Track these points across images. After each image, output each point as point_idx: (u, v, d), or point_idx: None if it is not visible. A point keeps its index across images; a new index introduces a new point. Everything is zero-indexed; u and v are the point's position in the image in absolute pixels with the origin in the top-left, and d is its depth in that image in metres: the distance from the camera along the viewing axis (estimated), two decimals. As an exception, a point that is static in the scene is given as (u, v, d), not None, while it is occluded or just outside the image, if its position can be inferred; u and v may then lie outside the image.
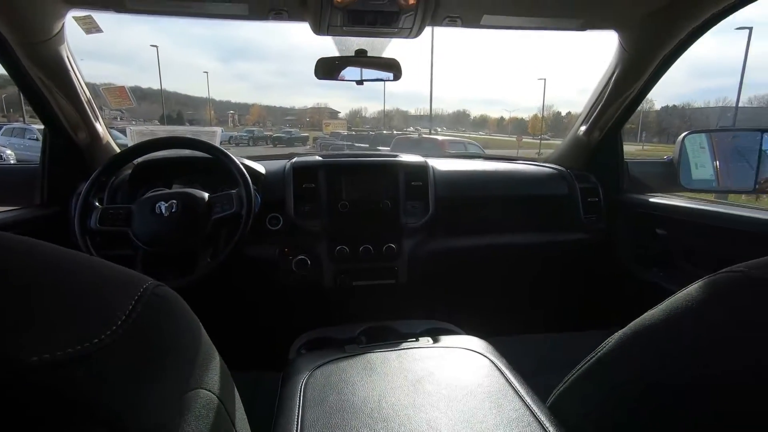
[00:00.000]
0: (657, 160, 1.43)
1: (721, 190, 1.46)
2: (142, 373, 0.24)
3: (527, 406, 0.54)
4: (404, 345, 0.73)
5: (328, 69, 1.10)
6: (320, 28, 0.94)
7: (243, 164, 1.02)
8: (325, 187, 1.17)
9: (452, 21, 0.96)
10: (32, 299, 0.21)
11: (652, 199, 1.23)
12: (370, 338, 0.89)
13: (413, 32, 0.96)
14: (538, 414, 0.52)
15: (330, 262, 1.17)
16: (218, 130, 1.72)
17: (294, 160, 1.22)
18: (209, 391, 0.30)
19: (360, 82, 1.14)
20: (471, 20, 0.96)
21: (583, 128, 1.34)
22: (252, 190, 0.97)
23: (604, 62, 1.21)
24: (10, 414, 0.18)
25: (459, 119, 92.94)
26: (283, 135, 27.28)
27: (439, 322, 0.93)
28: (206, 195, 0.99)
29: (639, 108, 1.30)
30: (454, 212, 1.25)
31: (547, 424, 0.50)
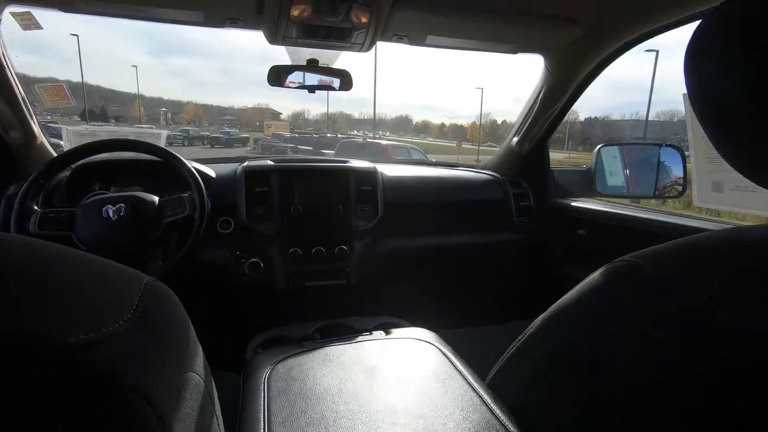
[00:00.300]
0: (578, 169, 1.60)
1: (630, 196, 1.68)
2: (153, 354, 0.27)
3: (470, 384, 0.61)
4: (359, 338, 0.78)
5: (280, 76, 1.13)
6: (275, 38, 0.98)
7: (194, 167, 1.02)
8: (278, 191, 1.19)
9: (400, 38, 1.04)
10: (53, 289, 0.25)
11: (573, 203, 1.39)
12: (324, 335, 0.94)
13: (364, 47, 1.02)
14: (480, 391, 0.59)
15: (283, 264, 1.19)
16: (163, 132, 1.68)
17: (246, 164, 1.23)
18: (197, 374, 0.34)
19: (312, 90, 1.18)
20: (417, 39, 1.05)
21: (515, 139, 1.48)
22: (204, 193, 0.98)
23: (533, 76, 1.35)
24: (57, 387, 0.22)
25: (402, 124, 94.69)
26: (221, 135, 26.16)
27: (390, 317, 1.00)
28: (156, 198, 0.98)
29: (565, 119, 1.47)
30: (401, 215, 1.33)
31: (487, 399, 0.57)
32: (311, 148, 12.42)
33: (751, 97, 0.34)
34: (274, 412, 0.55)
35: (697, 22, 0.39)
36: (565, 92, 1.26)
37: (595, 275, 0.46)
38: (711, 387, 0.32)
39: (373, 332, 0.82)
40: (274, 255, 1.19)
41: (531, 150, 1.47)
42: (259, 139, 21.91)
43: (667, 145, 1.34)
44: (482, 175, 1.53)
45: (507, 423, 0.52)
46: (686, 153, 1.32)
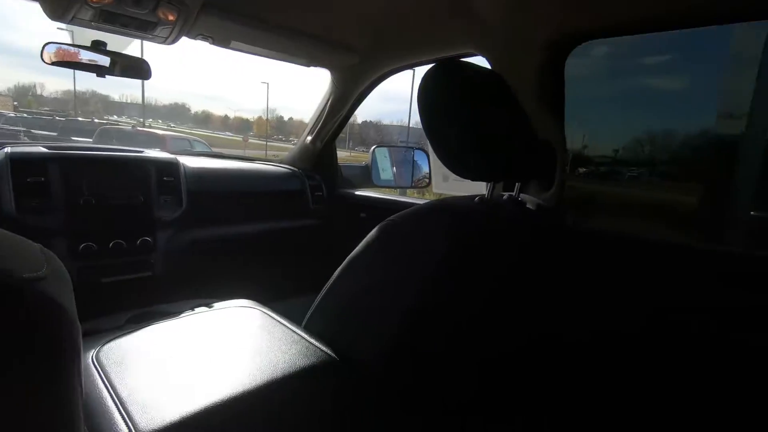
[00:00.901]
0: (358, 165, 1.96)
1: (396, 186, 2.16)
2: (65, 291, 0.35)
3: (290, 329, 0.78)
4: (181, 316, 0.80)
5: (61, 55, 1.03)
6: (61, 16, 0.90)
7: None
8: (60, 182, 1.08)
9: (205, 38, 1.11)
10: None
11: (357, 193, 1.72)
12: (139, 323, 0.93)
13: (168, 41, 1.05)
14: (298, 332, 0.77)
15: (72, 259, 1.09)
16: None
17: (8, 150, 1.06)
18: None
19: (102, 75, 1.11)
20: (221, 42, 1.14)
21: (309, 138, 1.71)
22: None
23: (317, 78, 1.60)
24: (17, 310, 0.29)
25: (178, 112, 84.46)
26: None
27: (204, 299, 1.07)
28: None
29: (348, 122, 1.78)
30: (207, 205, 1.37)
31: (305, 335, 0.75)
32: (56, 134, 9.88)
33: (456, 127, 0.64)
34: (118, 387, 0.55)
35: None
36: (348, 102, 1.56)
37: (372, 232, 0.70)
38: (456, 299, 0.60)
39: (195, 309, 0.88)
40: (60, 250, 1.07)
41: (323, 148, 1.72)
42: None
43: (417, 149, 1.81)
44: (282, 168, 1.70)
45: (325, 349, 0.66)
46: (430, 155, 1.82)
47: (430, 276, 0.60)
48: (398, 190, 2.43)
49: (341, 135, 1.81)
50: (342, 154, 1.98)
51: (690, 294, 0.86)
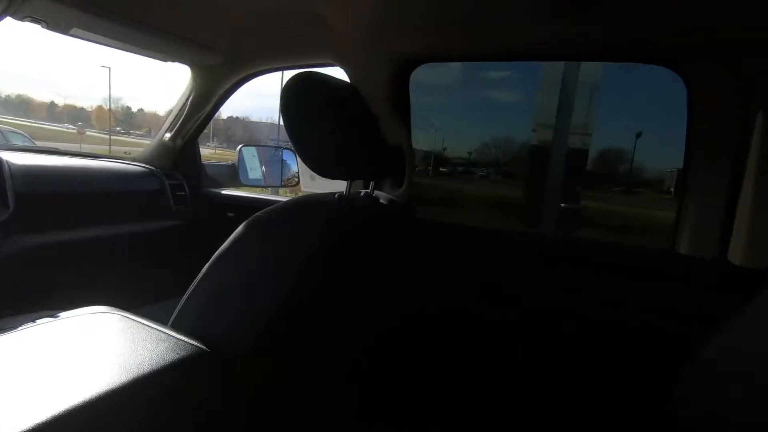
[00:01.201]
0: (225, 164, 1.92)
1: (267, 186, 2.16)
2: None
3: (157, 329, 0.77)
4: (19, 329, 0.71)
5: None
6: None
7: None
8: None
9: (36, 21, 0.99)
10: None
11: (223, 192, 1.69)
12: None
13: None
14: (164, 330, 0.75)
15: None
16: None
17: None
18: None
19: None
20: (58, 27, 1.02)
21: (168, 135, 1.62)
22: None
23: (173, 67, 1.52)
24: None
25: (-21, 95, 67.14)
26: None
27: (49, 311, 0.96)
28: None
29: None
30: (43, 208, 1.21)
31: (171, 332, 0.74)
32: None
33: (316, 134, 0.72)
34: None
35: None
36: (211, 100, 1.52)
37: (239, 228, 0.74)
38: (325, 288, 0.67)
39: (37, 321, 0.78)
40: None
41: (184, 146, 1.65)
42: None
43: (286, 148, 1.86)
44: (136, 167, 1.57)
45: (195, 343, 0.64)
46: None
47: (299, 268, 0.66)
48: (269, 189, 2.44)
49: (204, 131, 1.75)
50: (206, 152, 1.91)
51: (516, 271, 1.11)
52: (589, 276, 1.03)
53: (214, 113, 1.60)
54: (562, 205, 3.20)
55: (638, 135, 3.26)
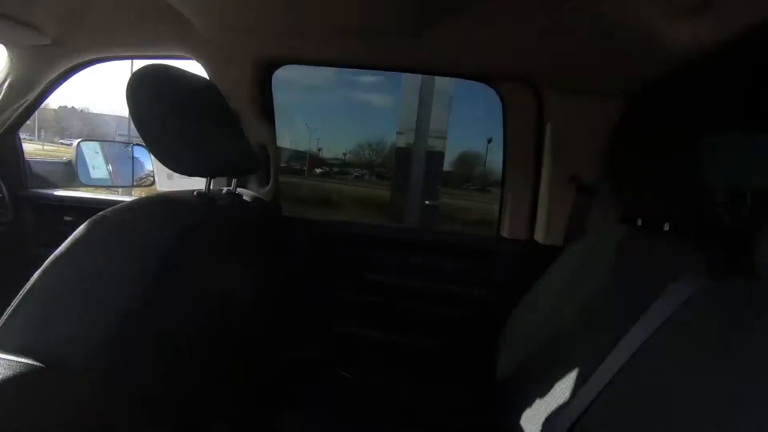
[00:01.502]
0: (59, 161, 1.66)
1: (115, 186, 1.93)
2: None
3: None
4: None
5: None
6: None
7: None
8: None
9: None
10: None
11: (57, 193, 1.47)
12: None
13: None
14: None
15: None
16: None
17: None
18: None
19: None
20: None
21: (-25, 126, 1.34)
22: None
23: None
24: None
25: None
26: None
27: None
28: None
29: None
30: None
31: None
32: None
33: (169, 131, 0.69)
34: None
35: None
36: (36, 88, 1.31)
37: (80, 228, 0.67)
38: (179, 287, 0.65)
39: None
40: None
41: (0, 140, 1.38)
42: None
43: (137, 144, 1.69)
44: None
45: (24, 360, 0.55)
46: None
47: (148, 267, 0.62)
48: (119, 190, 2.16)
49: (28, 123, 1.50)
50: (29, 148, 1.63)
51: (381, 259, 1.23)
52: (431, 259, 1.22)
53: (41, 103, 1.38)
54: (426, 202, 3.56)
55: (489, 140, 3.75)
